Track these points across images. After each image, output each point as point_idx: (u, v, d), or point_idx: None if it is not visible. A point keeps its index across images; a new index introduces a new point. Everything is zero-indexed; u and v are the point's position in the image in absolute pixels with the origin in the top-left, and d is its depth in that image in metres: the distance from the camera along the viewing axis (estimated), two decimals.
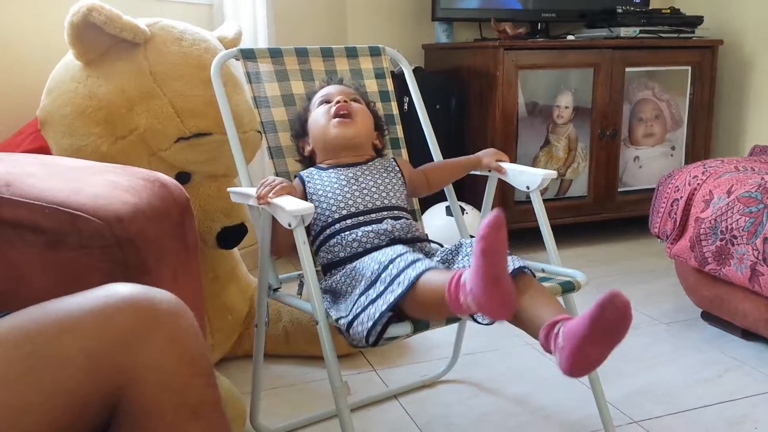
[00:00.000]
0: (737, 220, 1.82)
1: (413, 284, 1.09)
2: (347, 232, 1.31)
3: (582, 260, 2.69)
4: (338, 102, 1.41)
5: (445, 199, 1.66)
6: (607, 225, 2.99)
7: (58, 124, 1.61)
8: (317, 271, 1.35)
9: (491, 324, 1.12)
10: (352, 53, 1.61)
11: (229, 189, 1.41)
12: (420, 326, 1.13)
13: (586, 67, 2.77)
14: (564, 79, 2.75)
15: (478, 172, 1.55)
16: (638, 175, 2.95)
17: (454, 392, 1.70)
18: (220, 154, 1.62)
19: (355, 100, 1.45)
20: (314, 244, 1.36)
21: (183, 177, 1.66)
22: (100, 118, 1.56)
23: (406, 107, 2.42)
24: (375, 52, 1.63)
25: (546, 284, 1.26)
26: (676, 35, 2.91)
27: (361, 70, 1.61)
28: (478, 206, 2.01)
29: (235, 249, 1.83)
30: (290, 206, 1.19)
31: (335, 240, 1.32)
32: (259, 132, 1.59)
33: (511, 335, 1.94)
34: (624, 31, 2.83)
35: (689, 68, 2.93)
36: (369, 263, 1.21)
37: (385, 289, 1.12)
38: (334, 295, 1.26)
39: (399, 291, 1.09)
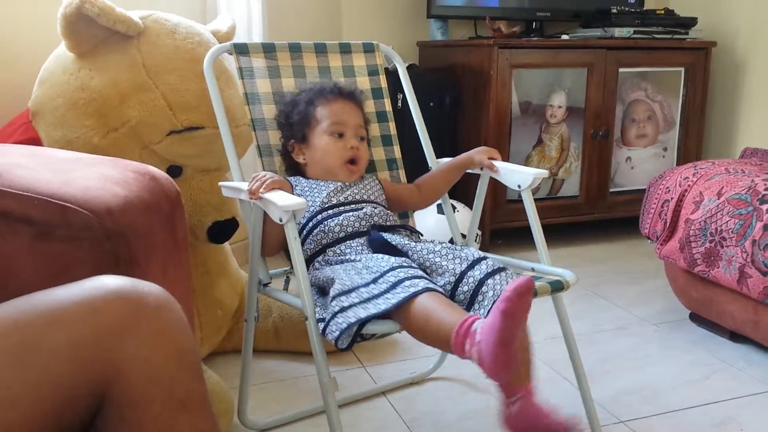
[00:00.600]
0: (727, 222, 1.83)
1: (405, 302, 1.09)
2: (330, 219, 1.33)
3: (573, 260, 2.70)
4: (353, 147, 1.42)
5: None
6: (598, 225, 3.00)
7: (50, 116, 1.61)
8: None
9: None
10: (345, 49, 1.61)
11: (220, 183, 1.41)
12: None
13: (580, 67, 2.77)
14: (558, 78, 2.76)
15: (470, 170, 1.55)
16: (630, 176, 2.97)
17: (442, 389, 1.71)
18: (212, 148, 1.62)
19: (362, 129, 1.46)
20: (300, 237, 1.36)
21: (174, 170, 1.66)
22: (92, 110, 1.56)
23: (399, 104, 2.43)
24: (369, 49, 1.63)
25: (536, 283, 1.26)
26: (669, 36, 2.92)
27: (354, 67, 1.61)
28: (469, 204, 2.01)
29: (226, 243, 1.83)
30: (282, 201, 1.19)
31: (318, 228, 1.33)
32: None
33: None
34: (618, 32, 2.84)
35: (682, 69, 2.94)
36: (364, 263, 1.22)
37: (376, 296, 1.13)
38: (321, 290, 1.26)
39: (394, 301, 1.10)
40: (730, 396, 1.69)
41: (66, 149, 1.33)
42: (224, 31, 1.84)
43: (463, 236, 1.64)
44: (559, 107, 2.78)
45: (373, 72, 1.62)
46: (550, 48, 2.74)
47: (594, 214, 2.92)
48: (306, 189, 1.41)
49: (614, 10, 2.90)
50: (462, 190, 1.56)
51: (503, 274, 1.20)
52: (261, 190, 1.24)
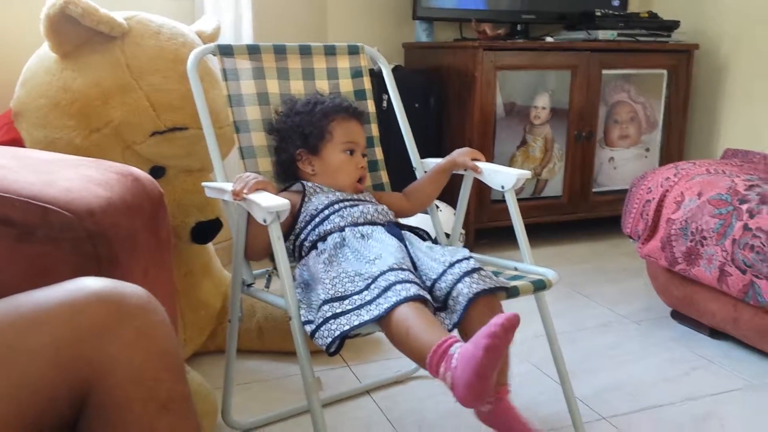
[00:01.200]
0: (707, 222, 1.85)
1: (393, 308, 1.11)
2: (351, 207, 1.38)
3: (556, 259, 2.72)
4: (362, 168, 1.49)
5: None
6: (581, 225, 3.02)
7: (32, 116, 1.60)
8: (291, 267, 1.36)
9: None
10: (330, 51, 1.61)
11: (203, 184, 1.41)
12: None
13: (564, 69, 2.80)
14: (542, 80, 2.78)
15: (454, 171, 1.56)
16: (613, 176, 2.99)
17: (426, 388, 1.72)
18: (196, 148, 1.62)
19: (365, 149, 1.52)
20: (304, 231, 1.37)
21: (157, 171, 1.65)
22: (74, 110, 1.55)
23: (385, 105, 2.44)
24: (353, 51, 1.64)
25: (518, 282, 1.28)
26: (652, 39, 2.95)
27: (338, 69, 1.62)
28: (453, 204, 2.03)
29: (210, 244, 1.83)
30: (266, 202, 1.19)
31: (337, 214, 1.37)
32: None
33: None
34: (602, 34, 2.87)
35: (665, 72, 2.98)
36: (351, 261, 1.23)
37: (368, 302, 1.14)
38: (306, 285, 1.27)
39: (385, 306, 1.11)
40: (711, 392, 1.71)
41: (48, 150, 1.33)
42: (209, 32, 1.84)
43: (447, 236, 1.65)
44: (543, 108, 2.80)
45: (356, 74, 1.63)
46: (535, 50, 2.76)
47: (577, 214, 2.95)
48: (318, 189, 1.43)
49: (598, 13, 2.93)
50: (446, 189, 1.57)
51: (475, 275, 1.20)
52: (245, 191, 1.24)
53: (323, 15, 2.88)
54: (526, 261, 1.42)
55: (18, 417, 0.70)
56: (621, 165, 3.00)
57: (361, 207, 1.40)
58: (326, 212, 1.38)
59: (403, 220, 1.50)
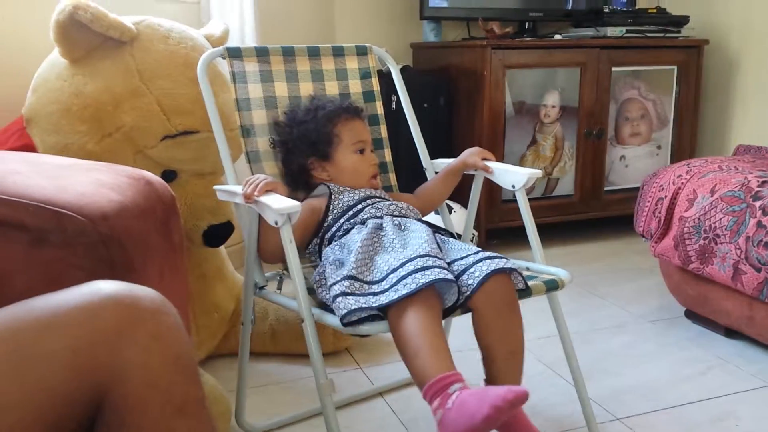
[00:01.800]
0: (720, 219, 1.84)
1: (413, 293, 1.10)
2: (380, 202, 1.40)
3: (568, 259, 2.71)
4: (374, 164, 1.50)
5: None
6: (593, 224, 3.01)
7: (44, 122, 1.61)
8: (308, 267, 1.36)
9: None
10: (338, 52, 1.61)
11: (215, 187, 1.42)
12: None
13: (573, 67, 2.78)
14: (551, 78, 2.77)
15: (464, 172, 1.56)
16: (624, 174, 2.98)
17: None
18: (207, 152, 1.62)
19: (372, 145, 1.53)
20: (336, 223, 1.37)
21: (169, 175, 1.66)
22: (86, 116, 1.56)
23: (394, 106, 2.43)
24: (362, 52, 1.63)
25: (530, 282, 1.27)
26: (662, 35, 2.93)
27: (347, 70, 1.61)
28: (465, 204, 2.02)
29: (222, 247, 1.83)
30: (277, 204, 1.19)
31: (372, 205, 1.38)
32: None
33: None
34: (611, 31, 2.85)
35: (675, 68, 2.96)
36: (387, 250, 1.23)
37: (395, 283, 1.13)
38: (340, 264, 1.25)
39: (404, 292, 1.10)
40: (726, 392, 1.69)
41: (60, 155, 1.34)
42: (217, 36, 1.84)
43: (459, 236, 1.65)
44: (553, 107, 2.79)
45: (365, 75, 1.63)
46: (543, 48, 2.75)
47: (588, 213, 2.93)
48: (343, 189, 1.44)
49: (606, 10, 2.91)
50: (458, 190, 1.57)
51: (496, 260, 1.21)
52: (255, 193, 1.24)
53: (330, 17, 2.88)
54: (538, 261, 1.42)
55: (36, 422, 0.70)
56: (632, 163, 2.98)
57: (390, 202, 1.41)
58: (360, 206, 1.39)
59: None
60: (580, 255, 2.78)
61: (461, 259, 1.23)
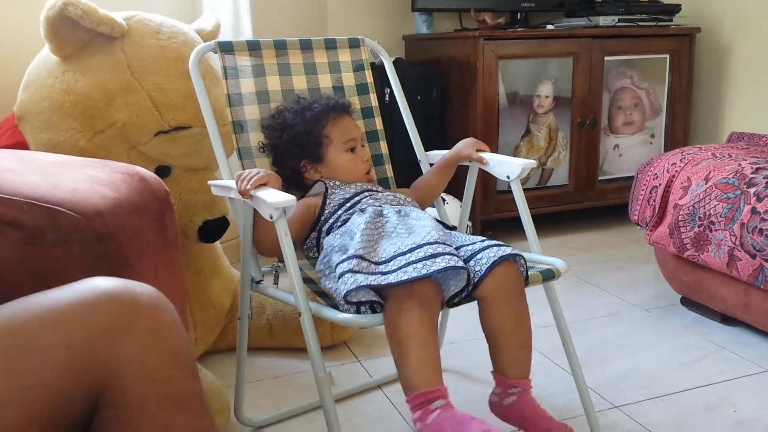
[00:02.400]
0: (715, 207, 1.84)
1: (416, 279, 1.10)
2: (367, 198, 1.38)
3: (563, 248, 2.71)
4: (367, 160, 1.50)
5: None
6: (588, 213, 3.01)
7: (36, 120, 1.60)
8: (303, 262, 1.36)
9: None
10: (331, 45, 1.60)
11: (209, 182, 1.41)
12: None
13: (566, 57, 2.78)
14: (544, 68, 2.77)
15: (459, 163, 1.55)
16: (618, 164, 2.98)
17: None
18: (200, 147, 1.61)
19: (362, 140, 1.53)
20: (334, 214, 1.37)
21: (163, 171, 1.65)
22: (77, 112, 1.55)
23: (387, 98, 2.43)
24: (354, 44, 1.63)
25: (527, 272, 1.27)
26: (654, 24, 2.93)
27: (340, 63, 1.61)
28: (459, 196, 2.02)
29: (217, 242, 1.83)
30: (271, 198, 1.19)
31: (371, 197, 1.38)
32: None
33: None
34: (603, 20, 2.85)
35: (667, 56, 2.96)
36: (391, 236, 1.22)
37: (394, 270, 1.13)
38: (343, 250, 1.25)
39: (414, 274, 1.09)
40: (723, 378, 1.70)
41: (53, 152, 1.33)
42: (209, 30, 1.83)
43: (454, 228, 1.65)
44: (546, 97, 2.79)
45: (358, 67, 1.62)
46: (536, 38, 2.75)
47: (583, 203, 2.94)
48: (340, 183, 1.43)
49: None
50: (452, 182, 1.57)
51: (503, 247, 1.22)
52: (249, 187, 1.23)
53: (322, 10, 2.87)
54: (533, 251, 1.42)
55: (34, 418, 0.70)
56: (626, 152, 2.98)
57: (388, 194, 1.42)
58: (358, 198, 1.38)
59: None
60: (576, 244, 2.79)
61: (468, 245, 1.24)
